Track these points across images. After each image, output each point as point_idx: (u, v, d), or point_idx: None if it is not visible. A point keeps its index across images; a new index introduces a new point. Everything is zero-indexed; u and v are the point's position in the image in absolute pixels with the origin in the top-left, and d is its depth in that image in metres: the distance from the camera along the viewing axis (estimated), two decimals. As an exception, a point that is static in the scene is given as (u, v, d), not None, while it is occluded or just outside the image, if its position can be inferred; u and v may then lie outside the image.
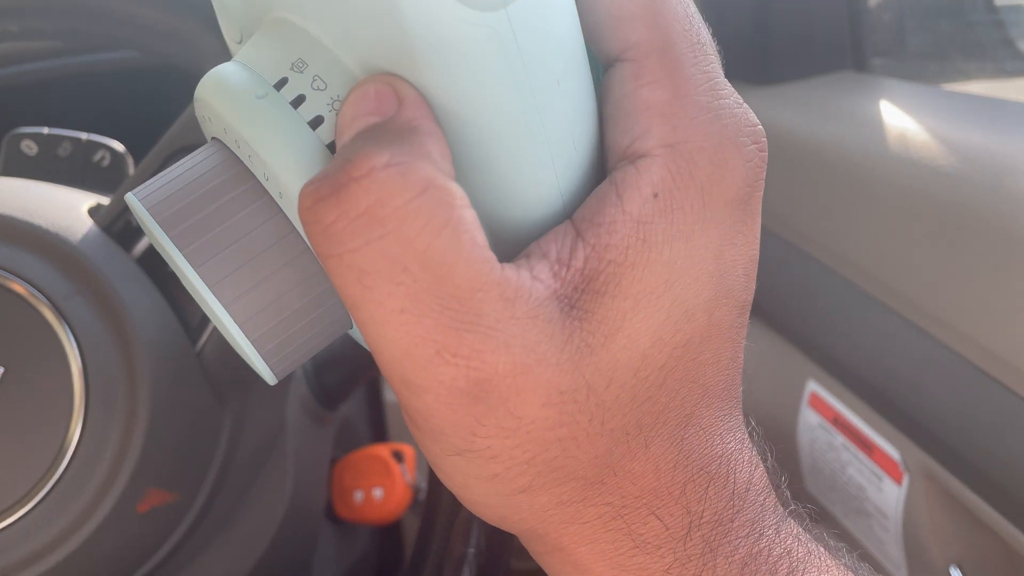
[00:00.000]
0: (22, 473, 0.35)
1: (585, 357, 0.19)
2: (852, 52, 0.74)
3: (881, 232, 0.54)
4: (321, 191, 0.18)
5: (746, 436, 0.23)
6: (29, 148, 0.47)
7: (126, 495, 0.37)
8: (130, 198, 0.21)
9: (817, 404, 0.60)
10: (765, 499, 0.22)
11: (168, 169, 0.22)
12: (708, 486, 0.21)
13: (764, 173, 0.21)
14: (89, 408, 0.36)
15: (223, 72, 0.21)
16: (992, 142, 0.48)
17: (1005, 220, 0.44)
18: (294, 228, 0.21)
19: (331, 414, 0.59)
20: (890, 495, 0.53)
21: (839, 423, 0.58)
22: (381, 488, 0.62)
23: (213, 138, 0.22)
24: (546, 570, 0.23)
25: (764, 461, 0.23)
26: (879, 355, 0.53)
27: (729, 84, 0.21)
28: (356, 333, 0.24)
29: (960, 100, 0.60)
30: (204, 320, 0.41)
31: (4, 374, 0.35)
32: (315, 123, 0.20)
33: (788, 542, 0.21)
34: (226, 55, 0.42)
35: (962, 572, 0.49)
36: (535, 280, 0.19)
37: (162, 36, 0.42)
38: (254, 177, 0.21)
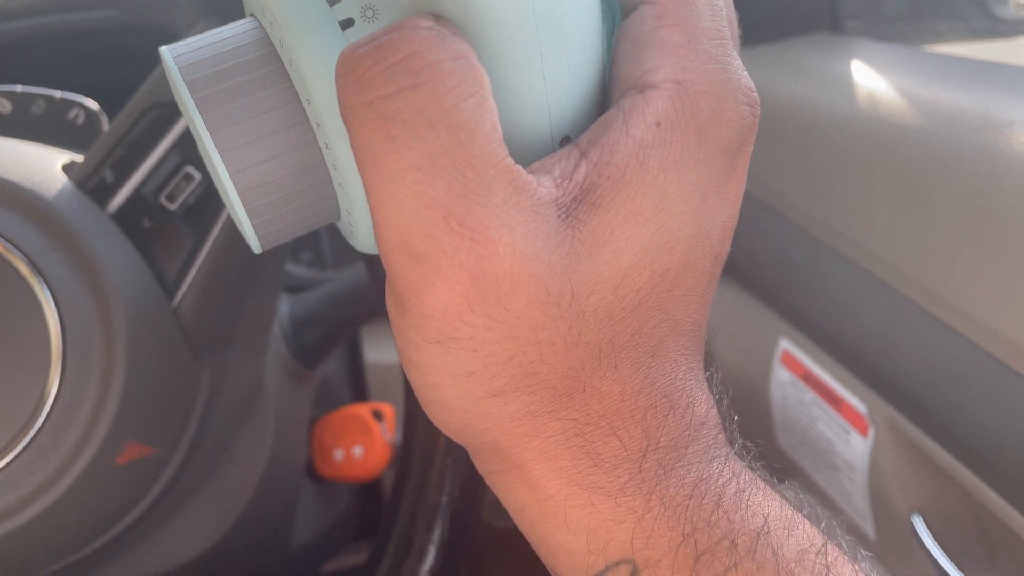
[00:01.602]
0: (0, 427, 0.36)
1: (573, 263, 0.20)
2: (828, 14, 0.75)
3: (852, 191, 0.55)
4: (363, 42, 0.19)
5: (705, 379, 0.24)
6: (2, 106, 0.47)
7: (105, 447, 0.37)
8: (164, 52, 0.22)
9: (789, 362, 0.61)
10: (717, 434, 0.23)
11: (205, 34, 0.23)
12: (668, 413, 0.22)
13: (753, 136, 0.23)
14: (66, 362, 0.36)
15: None
16: (958, 99, 0.49)
17: (968, 174, 0.45)
18: (307, 117, 0.22)
19: (310, 372, 0.60)
20: (857, 448, 0.54)
21: (809, 380, 0.59)
22: (361, 446, 0.63)
23: (251, 15, 0.24)
24: (498, 492, 0.24)
25: (720, 405, 0.24)
26: (849, 312, 0.54)
27: (734, 48, 0.23)
28: (344, 226, 0.25)
29: (931, 59, 0.60)
30: (180, 276, 0.41)
31: (-20, 329, 0.36)
32: (345, 24, 0.21)
33: (736, 469, 0.22)
34: (201, 14, 0.42)
35: (924, 520, 0.50)
36: (540, 186, 0.20)
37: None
38: (280, 61, 0.22)
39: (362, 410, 0.64)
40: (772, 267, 0.63)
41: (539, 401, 0.21)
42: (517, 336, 0.20)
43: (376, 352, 0.76)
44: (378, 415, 0.65)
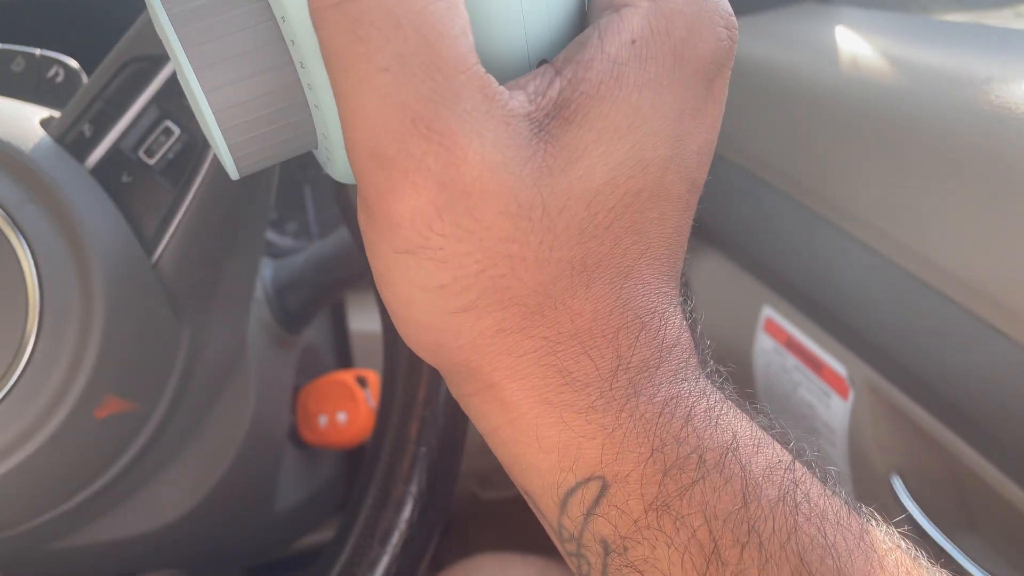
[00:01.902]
0: None
1: (544, 177, 0.20)
2: (815, -16, 0.74)
3: (833, 154, 0.55)
4: None
5: (679, 304, 0.24)
6: (-20, 63, 0.46)
7: (83, 400, 0.37)
8: None
9: (771, 329, 0.62)
10: (689, 357, 0.23)
11: None
12: (640, 334, 0.22)
13: (731, 61, 0.23)
14: (44, 314, 0.36)
15: None
16: (936, 58, 0.49)
17: (944, 131, 0.46)
18: (282, 36, 0.22)
19: (293, 338, 0.60)
20: (837, 410, 0.54)
21: (792, 345, 0.59)
22: (345, 412, 0.63)
23: None
24: (471, 415, 0.24)
25: (693, 330, 0.24)
26: (829, 275, 0.54)
27: None
28: (320, 154, 0.25)
29: (914, 23, 0.61)
30: (159, 232, 0.41)
31: (-43, 280, 0.36)
32: None
33: (706, 390, 0.23)
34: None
35: (902, 480, 0.51)
36: (512, 99, 0.20)
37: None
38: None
39: (346, 376, 0.64)
40: (756, 234, 0.63)
41: (511, 318, 0.21)
42: (487, 248, 0.20)
43: (360, 320, 0.76)
44: (362, 381, 0.65)
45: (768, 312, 0.62)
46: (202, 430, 0.50)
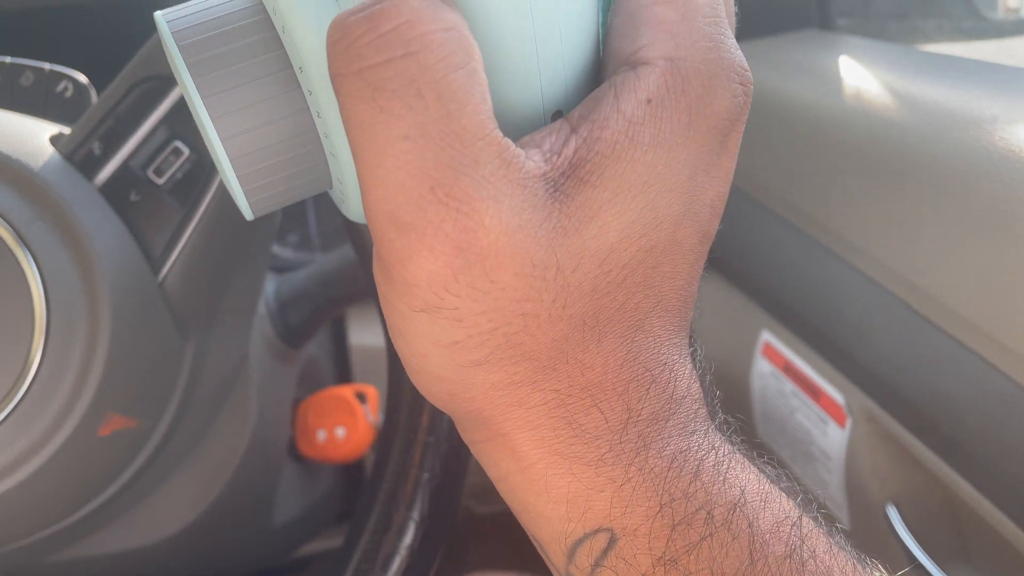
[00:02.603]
0: None
1: (559, 237, 0.21)
2: (818, 11, 0.75)
3: (834, 183, 0.56)
4: (354, 10, 0.19)
5: (688, 355, 0.24)
6: (-10, 77, 0.47)
7: (87, 418, 0.37)
8: (158, 17, 0.23)
9: (769, 353, 0.62)
10: (698, 408, 0.23)
11: (199, 0, 0.23)
12: (650, 387, 0.22)
13: (745, 115, 0.23)
14: (50, 332, 0.36)
15: None
16: (941, 95, 0.50)
17: (948, 168, 0.46)
18: (299, 85, 0.22)
19: (295, 352, 0.60)
20: (834, 438, 0.55)
21: (790, 371, 0.60)
22: (344, 427, 0.63)
23: None
24: (482, 461, 0.24)
25: (702, 382, 0.24)
26: (829, 304, 0.55)
27: (728, 27, 0.23)
28: (335, 194, 0.25)
29: (918, 56, 0.61)
30: (166, 250, 0.42)
31: (-35, 297, 0.36)
32: None
33: (715, 443, 0.23)
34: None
35: (898, 510, 0.51)
36: (529, 160, 0.20)
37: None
38: (273, 28, 0.22)
39: (346, 391, 0.65)
40: (756, 259, 0.63)
41: (523, 372, 0.22)
42: (502, 307, 0.21)
43: (360, 335, 0.77)
44: (361, 396, 0.65)
45: (767, 336, 0.63)
46: (203, 444, 0.50)
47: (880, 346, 0.50)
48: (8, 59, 0.47)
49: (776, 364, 0.61)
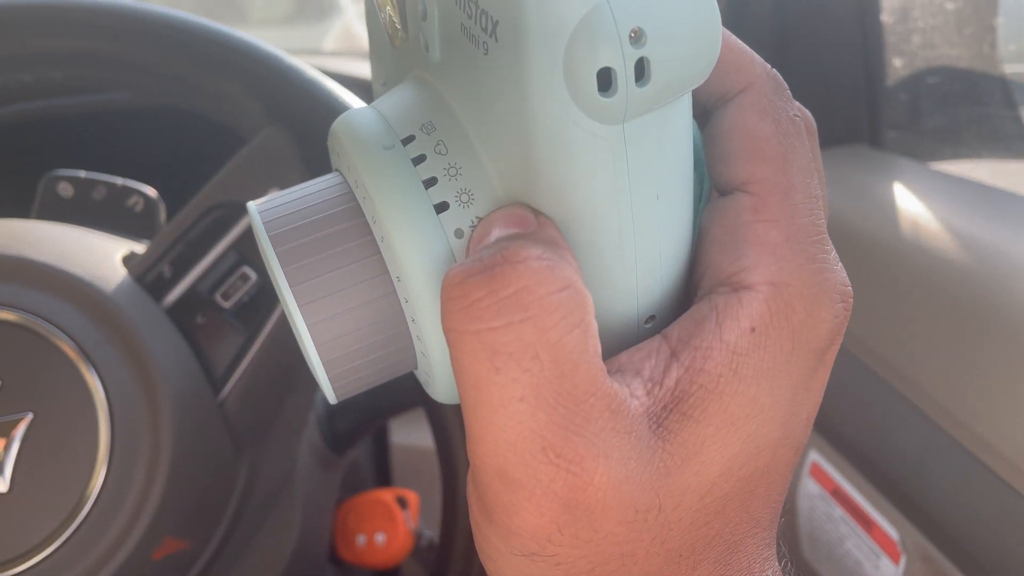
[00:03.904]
0: (44, 517, 0.36)
1: (662, 478, 0.20)
2: (867, 126, 0.76)
3: (889, 313, 0.55)
4: (473, 269, 0.19)
5: (779, 567, 0.24)
6: (65, 191, 0.48)
7: (143, 543, 0.37)
8: (251, 208, 0.23)
9: (818, 475, 0.61)
10: None
11: (289, 189, 0.24)
12: None
13: (844, 330, 0.23)
14: (113, 456, 0.37)
15: (360, 115, 0.23)
16: (1003, 240, 0.50)
17: (1010, 323, 0.45)
18: (386, 270, 0.23)
19: (339, 459, 0.60)
20: (887, 573, 0.53)
21: (839, 496, 0.59)
22: (384, 533, 0.63)
23: (336, 170, 0.24)
24: None
25: None
26: (883, 435, 0.54)
27: (830, 241, 0.23)
28: (420, 375, 0.25)
29: (973, 189, 0.61)
30: (228, 371, 0.42)
31: (33, 419, 0.36)
32: (429, 183, 0.22)
33: None
34: (265, 117, 0.43)
35: (955, 657, 0.49)
36: (632, 397, 0.20)
37: (205, 96, 0.43)
38: (363, 215, 0.23)
39: (386, 496, 0.64)
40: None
41: None
42: (601, 552, 0.20)
43: (402, 435, 0.76)
44: (402, 502, 0.64)
45: (814, 457, 0.62)
46: (246, 558, 0.50)
47: (936, 487, 0.49)
48: (83, 173, 0.49)
49: (825, 487, 0.60)
